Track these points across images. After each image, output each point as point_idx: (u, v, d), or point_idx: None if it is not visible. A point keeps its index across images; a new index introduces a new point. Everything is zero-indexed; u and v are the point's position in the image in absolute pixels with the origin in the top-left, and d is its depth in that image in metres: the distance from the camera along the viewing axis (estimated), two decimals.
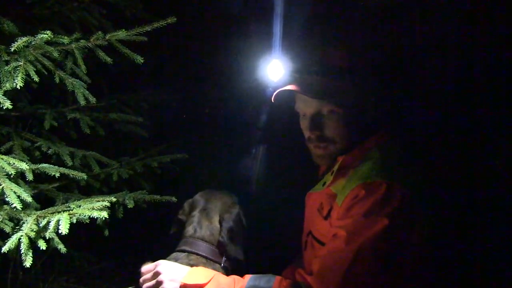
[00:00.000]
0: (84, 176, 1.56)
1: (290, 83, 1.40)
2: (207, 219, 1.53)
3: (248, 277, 1.32)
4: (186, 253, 1.46)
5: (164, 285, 1.30)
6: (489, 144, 1.83)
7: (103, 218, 1.31)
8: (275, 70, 1.82)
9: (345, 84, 1.35)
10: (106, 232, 1.71)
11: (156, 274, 1.33)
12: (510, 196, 1.73)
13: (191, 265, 1.41)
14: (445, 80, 1.90)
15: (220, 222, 1.53)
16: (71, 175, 1.55)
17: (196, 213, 1.54)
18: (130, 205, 1.59)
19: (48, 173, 1.53)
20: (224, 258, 1.49)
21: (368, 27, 1.94)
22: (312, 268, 1.23)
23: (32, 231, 1.27)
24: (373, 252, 1.17)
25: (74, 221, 1.28)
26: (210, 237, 1.50)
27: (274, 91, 1.43)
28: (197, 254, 1.46)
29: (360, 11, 1.96)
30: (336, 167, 1.39)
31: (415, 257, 1.25)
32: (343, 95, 1.34)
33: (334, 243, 1.23)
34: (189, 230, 1.51)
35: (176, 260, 1.43)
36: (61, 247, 1.40)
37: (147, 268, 1.39)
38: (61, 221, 1.23)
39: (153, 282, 1.33)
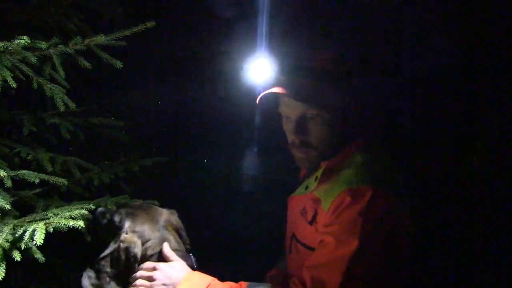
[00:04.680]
0: (65, 181, 1.55)
1: (276, 85, 1.39)
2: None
3: (244, 284, 1.32)
4: None
5: (156, 282, 1.30)
6: (472, 148, 1.86)
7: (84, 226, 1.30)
8: (261, 70, 1.75)
9: (331, 88, 1.34)
10: (89, 238, 1.69)
11: (150, 277, 1.33)
12: (496, 200, 1.76)
13: None
14: (430, 84, 1.93)
15: (180, 233, 1.52)
16: (51, 181, 1.53)
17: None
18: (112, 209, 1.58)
19: (27, 179, 1.50)
20: None
21: (357, 31, 1.95)
22: (305, 278, 1.24)
23: (7, 242, 1.25)
24: (362, 259, 1.19)
25: (51, 230, 1.25)
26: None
27: (260, 93, 1.42)
28: None
29: (349, 15, 1.97)
30: (319, 173, 1.39)
31: (403, 262, 1.28)
32: (329, 99, 1.34)
33: (323, 250, 1.24)
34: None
35: None
36: (39, 257, 1.36)
37: (146, 265, 1.37)
38: (37, 231, 1.21)
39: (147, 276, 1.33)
